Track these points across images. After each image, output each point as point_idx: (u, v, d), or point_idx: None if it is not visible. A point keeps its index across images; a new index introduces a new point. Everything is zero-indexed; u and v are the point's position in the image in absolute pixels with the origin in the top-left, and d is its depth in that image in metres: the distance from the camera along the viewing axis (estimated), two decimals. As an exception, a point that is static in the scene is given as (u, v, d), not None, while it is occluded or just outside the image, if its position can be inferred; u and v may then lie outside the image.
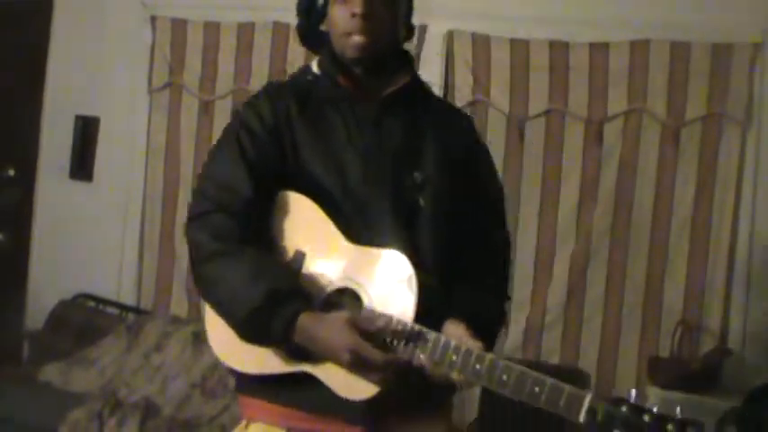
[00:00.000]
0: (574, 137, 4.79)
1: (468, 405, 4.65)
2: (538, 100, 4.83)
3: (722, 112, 4.56)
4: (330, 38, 2.43)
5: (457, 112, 2.70)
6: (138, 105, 5.67)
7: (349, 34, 2.34)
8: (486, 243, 2.49)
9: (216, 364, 4.76)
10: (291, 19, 5.27)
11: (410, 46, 5.03)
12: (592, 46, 4.74)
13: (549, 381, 1.99)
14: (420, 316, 2.14)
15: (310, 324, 2.12)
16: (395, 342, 2.12)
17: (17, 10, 5.78)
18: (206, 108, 5.49)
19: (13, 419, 4.51)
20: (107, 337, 5.22)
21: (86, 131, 5.84)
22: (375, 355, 2.08)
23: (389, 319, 2.13)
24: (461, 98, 4.92)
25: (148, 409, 4.57)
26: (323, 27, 2.47)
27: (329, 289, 2.23)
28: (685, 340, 4.52)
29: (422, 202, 2.34)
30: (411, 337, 2.11)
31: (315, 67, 2.49)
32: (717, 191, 4.58)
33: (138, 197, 5.66)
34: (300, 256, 2.27)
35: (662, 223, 4.66)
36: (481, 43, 4.92)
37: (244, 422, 2.40)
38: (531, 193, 4.85)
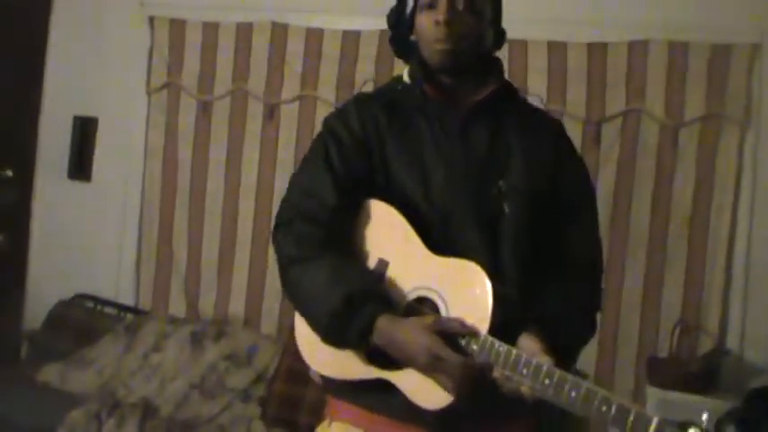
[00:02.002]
0: (572, 137, 4.67)
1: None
2: (536, 100, 4.82)
3: (721, 113, 4.56)
4: (418, 46, 2.45)
5: (545, 116, 2.70)
6: (137, 106, 5.66)
7: (434, 42, 2.36)
8: (572, 251, 2.47)
9: (214, 365, 4.77)
10: (290, 19, 5.31)
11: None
12: (590, 46, 4.75)
13: (617, 401, 1.98)
14: (497, 328, 2.14)
15: (389, 326, 2.15)
16: (469, 352, 2.14)
17: (14, 10, 5.77)
18: (204, 108, 5.48)
19: (11, 420, 4.51)
20: (105, 337, 5.22)
21: (85, 132, 5.84)
22: (452, 356, 2.10)
23: (465, 327, 2.15)
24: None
25: (147, 410, 4.57)
26: (413, 37, 2.49)
27: (409, 298, 2.26)
28: (684, 340, 4.52)
29: (506, 209, 2.34)
30: (484, 349, 2.12)
31: (405, 77, 2.50)
32: (715, 191, 4.58)
33: (136, 197, 5.66)
34: (383, 265, 2.31)
35: (660, 224, 4.66)
36: (480, 44, 4.92)
37: (327, 420, 2.44)
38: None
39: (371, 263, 2.33)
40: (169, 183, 5.58)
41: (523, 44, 4.83)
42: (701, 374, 4.31)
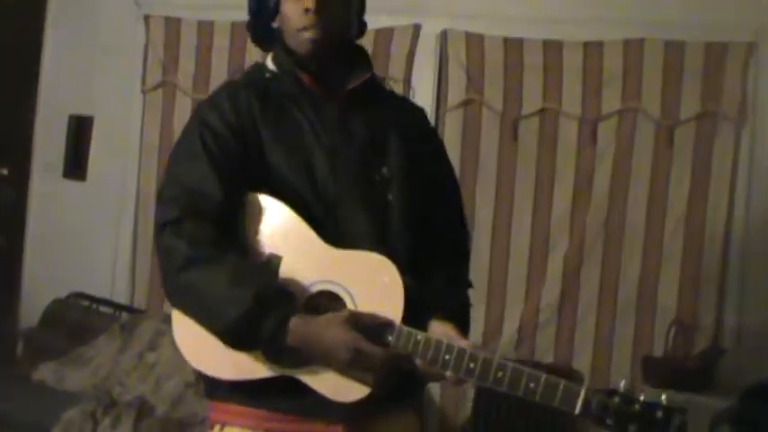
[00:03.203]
0: (568, 136, 4.79)
1: (462, 403, 4.65)
2: (532, 99, 4.83)
3: (716, 112, 4.57)
4: (282, 35, 2.40)
5: (411, 105, 2.71)
6: (132, 105, 5.67)
7: (302, 30, 2.32)
8: (449, 232, 2.51)
9: (210, 364, 4.76)
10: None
11: (403, 46, 5.05)
12: (586, 45, 4.75)
13: (544, 376, 2.01)
14: (407, 316, 2.15)
15: (303, 326, 2.10)
16: (387, 343, 2.13)
17: (10, 9, 5.77)
18: (199, 107, 5.48)
19: (7, 418, 4.51)
20: (101, 336, 5.22)
21: (80, 131, 5.84)
22: (374, 349, 2.09)
23: (380, 320, 2.14)
24: (455, 98, 4.93)
25: (142, 409, 4.56)
26: (275, 24, 2.44)
27: (309, 292, 2.20)
28: (679, 339, 4.52)
29: (390, 198, 2.34)
30: (401, 338, 2.12)
31: (270, 65, 2.45)
32: (711, 190, 4.58)
33: (131, 196, 5.66)
34: (276, 259, 2.23)
35: (656, 222, 4.66)
36: (475, 43, 4.92)
37: (217, 427, 2.32)
38: (525, 192, 4.85)
39: (263, 258, 2.24)
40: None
41: (519, 43, 4.83)
42: (697, 373, 4.32)
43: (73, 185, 5.88)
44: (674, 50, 4.62)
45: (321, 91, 2.39)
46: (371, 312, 2.15)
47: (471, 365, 2.06)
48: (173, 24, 5.58)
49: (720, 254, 4.56)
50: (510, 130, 4.84)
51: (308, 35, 2.32)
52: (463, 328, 2.26)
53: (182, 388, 4.70)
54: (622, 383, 1.99)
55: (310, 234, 2.23)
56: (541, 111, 4.83)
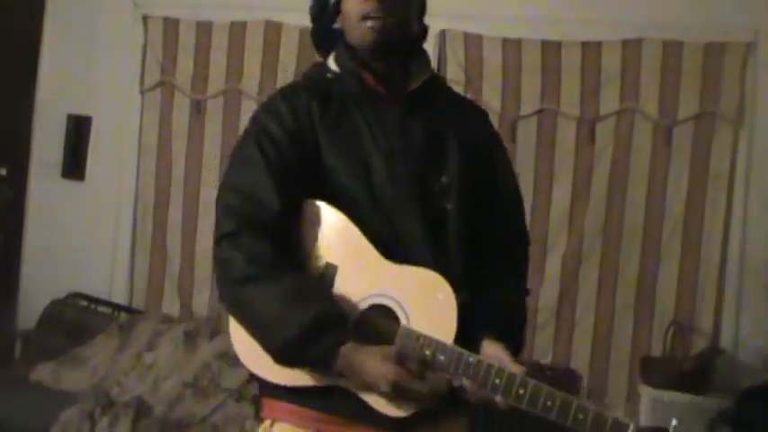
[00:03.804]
0: (566, 136, 4.79)
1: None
2: (530, 99, 4.83)
3: (714, 112, 4.57)
4: (345, 33, 2.38)
5: (473, 106, 2.64)
6: (130, 105, 5.66)
7: (365, 18, 2.29)
8: (508, 241, 2.46)
9: (208, 364, 4.76)
10: (283, 18, 5.30)
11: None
12: (584, 45, 4.75)
13: (593, 409, 1.99)
14: (457, 334, 2.13)
15: (351, 355, 2.10)
16: (437, 365, 2.11)
17: (8, 9, 5.76)
18: (198, 107, 5.48)
19: (4, 419, 4.50)
20: (99, 336, 5.21)
21: (78, 131, 5.83)
22: (416, 385, 2.09)
23: (426, 339, 2.11)
24: (454, 98, 4.93)
25: (140, 409, 4.56)
26: (336, 25, 2.41)
27: (363, 305, 2.19)
28: (677, 340, 4.53)
29: (449, 206, 2.30)
30: (453, 361, 2.09)
31: (332, 65, 2.42)
32: (709, 190, 4.59)
33: (130, 196, 5.66)
34: (332, 270, 2.23)
35: (654, 223, 4.66)
36: (473, 43, 4.92)
37: (268, 422, 2.33)
38: (523, 192, 4.79)
39: (319, 268, 2.23)
40: (163, 182, 5.57)
41: (517, 43, 4.83)
42: (695, 374, 4.32)
43: (71, 185, 5.87)
44: (673, 51, 4.62)
45: (384, 91, 2.36)
46: (419, 331, 2.13)
47: (521, 392, 2.04)
48: (171, 24, 5.57)
49: (718, 254, 4.57)
50: (508, 130, 4.83)
51: (370, 23, 2.28)
52: (516, 346, 2.25)
53: (180, 388, 4.70)
54: (674, 423, 1.94)
55: (366, 245, 2.21)
56: (540, 111, 4.83)
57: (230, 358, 4.79)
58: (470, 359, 2.08)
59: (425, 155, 2.33)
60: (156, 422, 4.48)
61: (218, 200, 2.30)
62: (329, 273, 2.22)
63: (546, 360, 4.75)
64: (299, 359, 2.15)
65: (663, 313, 4.62)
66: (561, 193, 4.79)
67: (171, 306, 5.53)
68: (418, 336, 2.12)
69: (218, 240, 2.24)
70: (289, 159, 2.26)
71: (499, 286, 2.36)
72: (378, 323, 2.17)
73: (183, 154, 5.52)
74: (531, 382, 2.04)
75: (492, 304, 2.29)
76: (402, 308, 2.17)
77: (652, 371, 4.37)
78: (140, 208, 5.65)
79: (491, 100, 4.87)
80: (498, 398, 2.07)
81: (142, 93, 5.65)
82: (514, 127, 4.85)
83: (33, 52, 5.97)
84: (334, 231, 2.25)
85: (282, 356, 2.16)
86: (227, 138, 5.38)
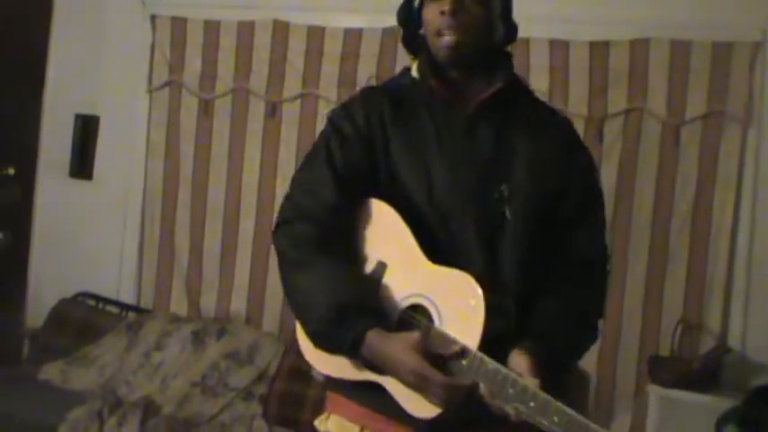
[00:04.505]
0: (574, 135, 4.78)
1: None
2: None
3: (722, 111, 4.57)
4: (426, 41, 2.39)
5: (555, 116, 2.59)
6: (138, 104, 5.67)
7: (439, 33, 2.31)
8: (575, 256, 2.40)
9: (216, 364, 4.77)
10: (291, 17, 5.30)
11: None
12: (592, 45, 4.75)
13: (598, 430, 1.96)
14: (493, 340, 2.12)
15: (377, 342, 2.13)
16: (457, 368, 2.12)
17: (17, 9, 5.77)
18: (206, 107, 5.48)
19: (13, 418, 4.51)
20: (107, 335, 5.23)
21: (86, 130, 5.84)
22: (436, 376, 2.08)
23: (455, 343, 2.12)
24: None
25: (148, 408, 4.57)
26: (421, 32, 2.42)
27: (403, 304, 2.23)
28: (685, 339, 4.52)
29: (508, 214, 2.29)
30: (473, 365, 2.10)
31: (414, 71, 2.44)
32: (717, 189, 4.58)
33: (137, 196, 5.66)
34: (382, 268, 2.28)
35: (662, 222, 4.66)
36: (481, 42, 4.92)
37: (326, 414, 2.42)
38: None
39: (371, 265, 2.29)
40: (171, 181, 5.58)
41: (525, 42, 4.82)
42: (703, 373, 4.31)
43: (79, 185, 5.88)
44: (681, 50, 4.61)
45: (453, 99, 2.37)
46: (447, 334, 2.14)
47: (532, 404, 2.03)
48: (179, 24, 5.58)
49: (727, 253, 4.56)
50: (516, 129, 4.83)
51: (445, 40, 2.30)
52: (550, 361, 2.17)
53: (188, 388, 4.71)
54: None
55: (414, 245, 2.24)
56: (547, 110, 4.83)
57: (238, 358, 4.80)
58: (489, 366, 2.08)
59: (489, 163, 2.32)
60: (164, 421, 4.49)
61: (286, 195, 2.41)
62: (378, 270, 2.28)
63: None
64: (330, 342, 2.21)
65: (671, 312, 4.61)
66: (569, 192, 4.78)
67: (179, 305, 5.53)
68: (444, 339, 2.13)
69: (275, 228, 2.36)
70: (355, 158, 2.33)
71: (557, 300, 2.32)
72: (410, 321, 2.21)
73: (191, 153, 5.52)
74: (542, 396, 2.03)
75: (539, 319, 2.27)
76: (437, 309, 2.19)
77: (660, 370, 4.37)
78: (148, 207, 5.65)
79: (499, 99, 4.87)
80: (509, 408, 2.07)
81: (150, 92, 5.65)
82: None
83: (41, 52, 5.97)
84: (389, 231, 2.30)
85: (316, 339, 2.24)
86: (235, 137, 5.39)
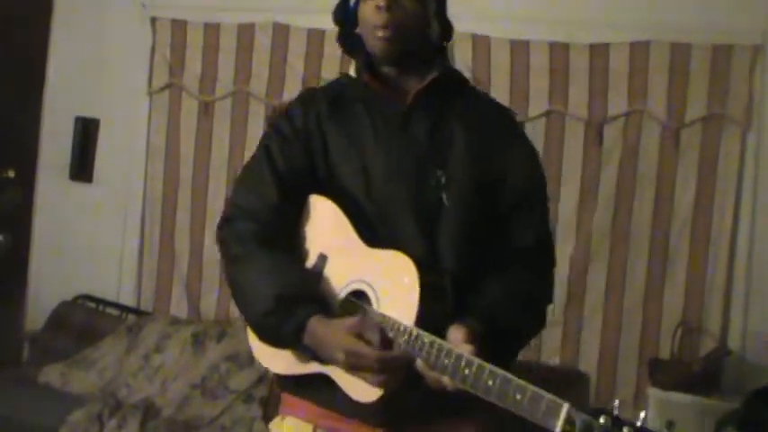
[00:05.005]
0: (574, 138, 4.79)
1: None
2: (538, 101, 4.83)
3: (722, 114, 4.57)
4: (363, 39, 2.42)
5: (495, 107, 2.61)
6: (138, 107, 5.67)
7: (374, 28, 2.34)
8: (517, 241, 2.42)
9: (216, 366, 4.77)
10: (291, 20, 5.30)
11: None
12: (592, 47, 4.75)
13: (531, 388, 1.94)
14: (431, 320, 2.13)
15: (317, 328, 2.17)
16: (396, 347, 2.14)
17: (17, 11, 5.77)
18: (206, 109, 5.49)
19: (13, 420, 4.52)
20: (107, 338, 5.23)
21: (86, 133, 5.84)
22: (367, 350, 2.11)
23: (388, 321, 2.15)
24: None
25: (148, 411, 4.57)
26: (358, 30, 2.46)
27: (345, 291, 2.27)
28: (686, 341, 4.52)
29: (446, 200, 2.32)
30: (410, 341, 2.11)
31: (352, 71, 2.49)
32: (717, 192, 4.58)
33: (138, 198, 5.66)
34: (323, 260, 2.32)
35: (662, 224, 4.66)
36: (481, 44, 4.92)
37: (280, 417, 2.45)
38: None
39: (312, 259, 2.34)
40: (171, 184, 5.58)
41: (525, 45, 4.83)
42: (703, 375, 4.31)
43: (79, 187, 5.88)
44: (681, 53, 4.61)
45: (390, 93, 2.41)
46: (386, 315, 2.16)
47: (467, 372, 2.03)
48: (179, 26, 5.58)
49: (727, 255, 4.56)
50: (516, 132, 4.84)
51: (380, 34, 2.33)
52: (487, 337, 2.15)
53: (188, 390, 4.71)
54: (616, 403, 1.91)
55: (354, 235, 2.28)
56: (547, 113, 4.83)
57: (238, 360, 4.80)
58: (425, 339, 2.09)
59: (426, 152, 2.36)
60: (164, 424, 4.49)
61: (229, 196, 2.48)
62: (319, 263, 2.32)
63: (554, 361, 4.75)
64: (272, 334, 2.25)
65: (671, 315, 4.61)
66: (569, 195, 4.78)
67: (179, 308, 5.54)
68: (381, 318, 2.17)
69: (218, 226, 2.42)
70: (294, 157, 2.38)
71: (501, 283, 2.33)
72: (351, 306, 2.24)
73: (192, 156, 5.52)
74: (477, 361, 2.02)
75: (478, 297, 2.29)
76: (374, 291, 2.22)
77: (660, 372, 4.37)
78: (148, 210, 5.65)
79: (499, 101, 4.86)
80: (446, 379, 2.07)
81: (150, 95, 5.65)
82: (522, 129, 4.83)
83: (41, 54, 5.98)
84: (328, 224, 2.35)
85: (260, 332, 2.29)
86: (236, 139, 5.39)
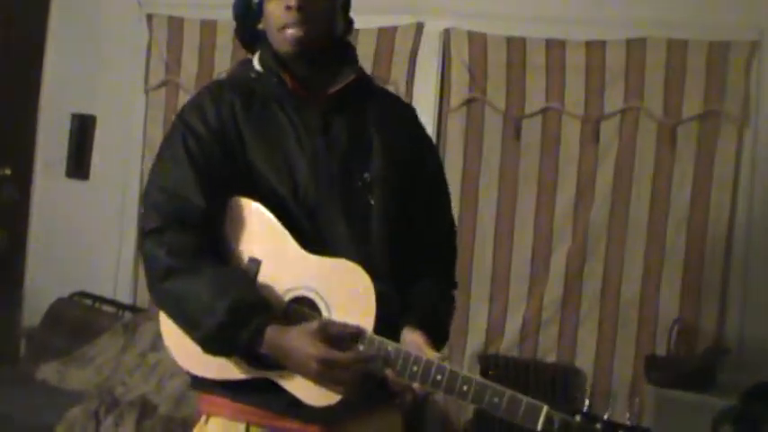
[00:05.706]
0: (570, 135, 4.79)
1: (465, 404, 4.65)
2: (534, 98, 4.83)
3: (719, 111, 4.57)
4: (267, 35, 2.40)
5: (400, 102, 2.67)
6: (135, 104, 5.67)
7: (284, 28, 2.31)
8: (435, 234, 2.52)
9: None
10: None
11: (406, 44, 5.05)
12: (588, 44, 4.75)
13: (508, 392, 2.03)
14: (384, 325, 2.17)
15: (276, 337, 2.13)
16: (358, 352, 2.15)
17: (14, 8, 5.77)
18: (202, 106, 5.48)
19: (9, 418, 4.51)
20: (104, 335, 5.22)
21: (83, 130, 5.84)
22: (341, 356, 2.11)
23: (351, 329, 2.15)
24: (458, 97, 4.93)
25: (145, 408, 4.56)
26: (260, 26, 2.43)
27: (286, 298, 2.23)
28: (682, 339, 4.52)
29: (372, 201, 2.34)
30: (372, 348, 2.13)
31: (256, 64, 2.46)
32: (713, 189, 4.58)
33: (134, 195, 5.65)
34: (255, 265, 2.26)
35: (658, 221, 4.66)
36: (478, 42, 4.92)
37: (204, 417, 2.39)
38: (528, 191, 4.85)
39: (242, 264, 2.27)
40: (167, 181, 5.57)
41: (522, 42, 4.83)
42: (699, 373, 4.31)
43: (75, 185, 5.88)
44: (677, 49, 4.61)
45: (305, 93, 2.38)
46: (344, 322, 2.16)
47: (438, 377, 2.08)
48: (175, 23, 5.58)
49: (723, 253, 4.56)
50: (512, 129, 4.84)
51: (290, 33, 2.30)
52: (437, 334, 2.28)
53: (184, 387, 4.69)
54: (586, 402, 2.02)
55: (289, 239, 2.24)
56: (544, 110, 4.83)
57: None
58: (389, 348, 2.12)
59: (348, 153, 2.36)
60: (161, 421, 4.48)
61: (145, 197, 2.34)
62: (252, 267, 2.25)
63: (550, 358, 4.75)
64: (227, 345, 2.18)
65: (667, 312, 4.61)
66: (565, 192, 4.79)
67: (175, 305, 5.52)
68: (338, 325, 2.16)
69: (144, 237, 2.28)
70: (213, 156, 2.30)
71: (427, 276, 2.42)
72: (301, 314, 2.21)
73: (187, 153, 5.51)
74: (448, 368, 2.08)
75: (415, 294, 2.35)
76: (323, 300, 2.20)
77: (656, 369, 4.37)
78: (145, 207, 5.64)
79: (495, 99, 4.87)
80: (416, 385, 2.11)
81: (146, 92, 5.66)
82: (519, 126, 4.84)
83: (38, 51, 5.97)
84: (258, 228, 2.28)
85: (212, 344, 2.19)
86: (232, 136, 5.39)
